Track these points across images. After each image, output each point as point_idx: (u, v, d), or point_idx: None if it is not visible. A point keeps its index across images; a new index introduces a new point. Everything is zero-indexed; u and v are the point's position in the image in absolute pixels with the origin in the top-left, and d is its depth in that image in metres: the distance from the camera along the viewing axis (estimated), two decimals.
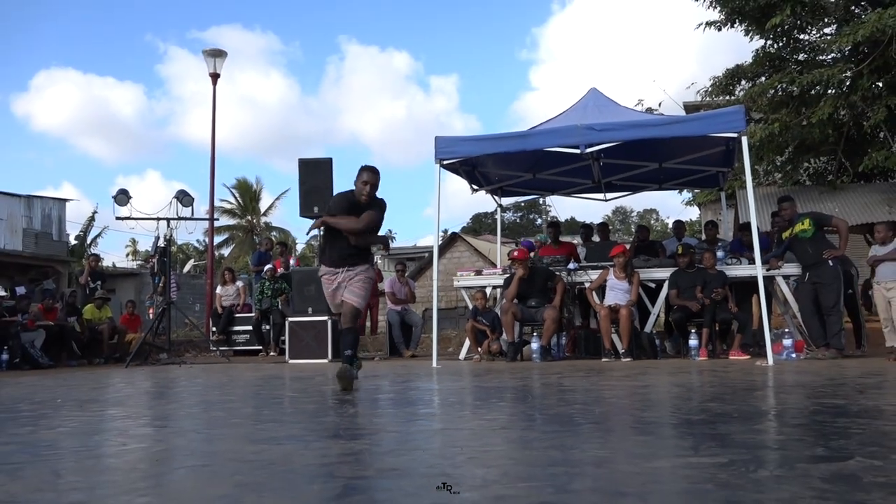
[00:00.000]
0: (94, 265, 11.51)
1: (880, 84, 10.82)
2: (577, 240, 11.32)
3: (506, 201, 11.13)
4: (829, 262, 6.69)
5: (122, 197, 8.79)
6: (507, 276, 8.04)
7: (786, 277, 7.36)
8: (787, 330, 6.99)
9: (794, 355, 6.62)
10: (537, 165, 9.25)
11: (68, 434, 2.92)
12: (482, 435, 2.62)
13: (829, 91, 11.11)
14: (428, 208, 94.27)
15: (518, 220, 51.97)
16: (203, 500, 1.67)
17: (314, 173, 8.93)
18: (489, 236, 28.78)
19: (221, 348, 10.15)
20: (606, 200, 10.68)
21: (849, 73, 10.86)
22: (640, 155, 8.87)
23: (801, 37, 12.24)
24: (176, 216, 8.99)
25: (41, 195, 21.30)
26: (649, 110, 12.67)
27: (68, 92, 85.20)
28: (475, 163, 8.75)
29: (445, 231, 24.23)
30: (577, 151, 7.09)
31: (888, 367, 5.54)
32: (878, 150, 11.05)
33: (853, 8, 11.35)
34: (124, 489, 1.82)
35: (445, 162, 7.61)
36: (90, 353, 9.85)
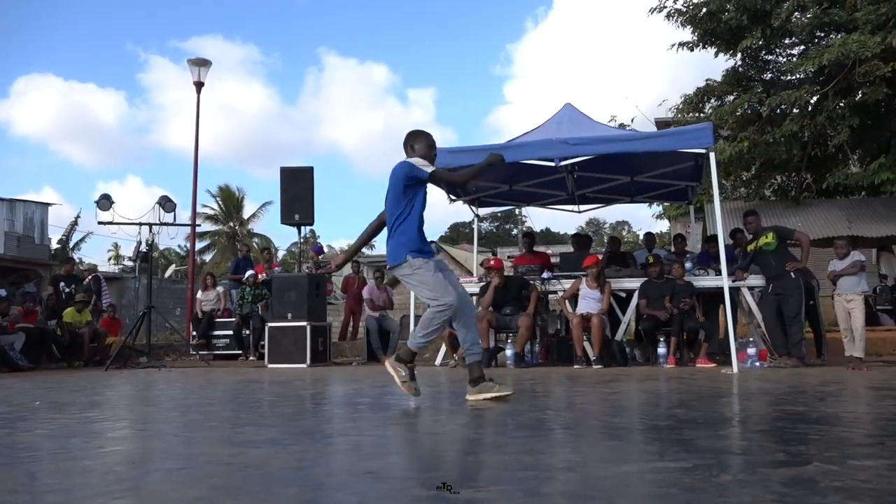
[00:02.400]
0: (69, 269, 11.41)
1: (844, 105, 11.15)
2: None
3: (483, 211, 11.21)
4: (792, 274, 6.88)
5: (105, 202, 8.76)
6: (483, 284, 8.12)
7: (750, 288, 7.53)
8: (751, 339, 7.16)
9: (757, 364, 6.79)
10: (514, 177, 9.36)
11: (45, 436, 2.90)
12: (456, 439, 2.67)
13: (795, 111, 11.42)
14: None
15: (494, 230, 52.20)
16: (179, 503, 1.69)
17: (296, 182, 8.97)
18: (466, 245, 28.85)
19: (201, 353, 10.11)
20: (580, 212, 10.82)
21: (815, 97, 11.19)
22: (612, 168, 9.02)
23: (769, 57, 12.58)
24: (158, 221, 8.99)
25: (24, 199, 20.96)
26: (622, 126, 12.86)
27: (49, 98, 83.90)
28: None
29: None
30: (552, 164, 7.20)
31: (847, 375, 5.71)
32: (841, 169, 11.39)
33: (818, 32, 11.69)
34: (100, 491, 1.83)
35: None
36: (70, 356, 9.75)
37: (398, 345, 10.04)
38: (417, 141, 4.01)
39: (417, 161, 3.86)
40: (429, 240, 4.01)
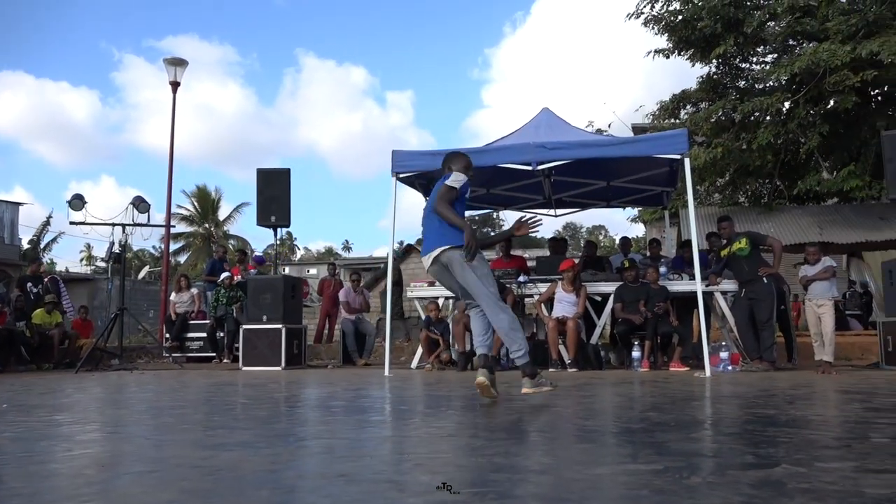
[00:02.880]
0: (35, 270, 11.20)
1: (815, 113, 11.38)
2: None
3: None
4: (764, 279, 6.99)
5: (77, 202, 8.62)
6: None
7: (724, 293, 7.64)
8: (724, 343, 7.26)
9: (730, 367, 6.88)
10: (491, 181, 9.39)
11: (12, 439, 2.84)
12: (430, 442, 2.67)
13: (767, 118, 11.63)
14: (383, 220, 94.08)
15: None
16: None
17: (272, 183, 8.92)
18: None
19: (174, 355, 9.99)
20: (557, 216, 10.89)
21: (786, 104, 11.40)
22: (589, 173, 9.09)
23: (743, 65, 12.80)
24: (132, 222, 8.87)
25: None
26: (599, 131, 13.01)
27: (20, 95, 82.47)
28: (431, 177, 8.82)
29: (401, 242, 24.26)
30: (530, 168, 7.24)
31: (816, 379, 5.81)
32: (812, 175, 11.61)
33: (790, 41, 11.92)
34: (68, 495, 1.80)
35: (402, 175, 7.67)
36: (40, 358, 9.57)
37: (373, 347, 10.03)
38: (454, 163, 4.22)
39: (455, 176, 4.08)
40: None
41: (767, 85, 11.95)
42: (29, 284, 10.56)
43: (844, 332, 9.31)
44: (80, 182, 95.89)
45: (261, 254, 12.63)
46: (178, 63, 12.83)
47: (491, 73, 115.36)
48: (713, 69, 12.68)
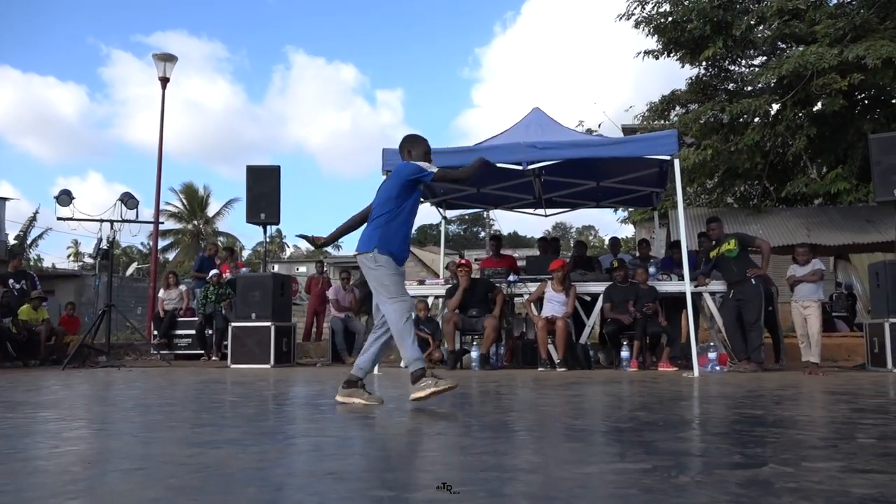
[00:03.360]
0: (16, 265, 11.08)
1: (802, 115, 11.47)
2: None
3: (450, 214, 11.25)
4: (752, 280, 7.04)
5: (65, 198, 8.55)
6: (450, 286, 8.13)
7: (712, 294, 7.68)
8: (712, 344, 7.31)
9: (718, 368, 6.92)
10: (481, 180, 9.40)
11: None
12: (419, 440, 2.67)
13: (756, 120, 11.71)
14: None
15: (462, 233, 52.42)
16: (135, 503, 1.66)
17: (262, 180, 8.88)
18: (433, 248, 28.91)
19: (162, 352, 9.93)
20: (546, 216, 10.92)
21: (775, 106, 11.48)
22: (579, 173, 9.11)
23: (732, 68, 12.87)
24: (120, 218, 8.81)
25: None
26: (589, 131, 13.03)
27: (7, 90, 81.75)
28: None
29: None
30: (520, 168, 7.25)
31: (803, 380, 5.85)
32: (800, 178, 11.70)
33: (780, 43, 12.00)
34: (54, 492, 1.78)
35: None
36: (26, 354, 9.48)
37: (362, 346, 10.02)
38: (415, 146, 4.02)
39: (421, 162, 3.88)
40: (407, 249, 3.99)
41: (756, 87, 12.03)
42: (11, 281, 10.46)
43: (831, 334, 9.39)
44: (67, 177, 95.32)
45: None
46: (168, 59, 12.77)
47: (481, 73, 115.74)
48: (702, 71, 12.75)
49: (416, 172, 3.82)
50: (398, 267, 3.87)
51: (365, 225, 3.96)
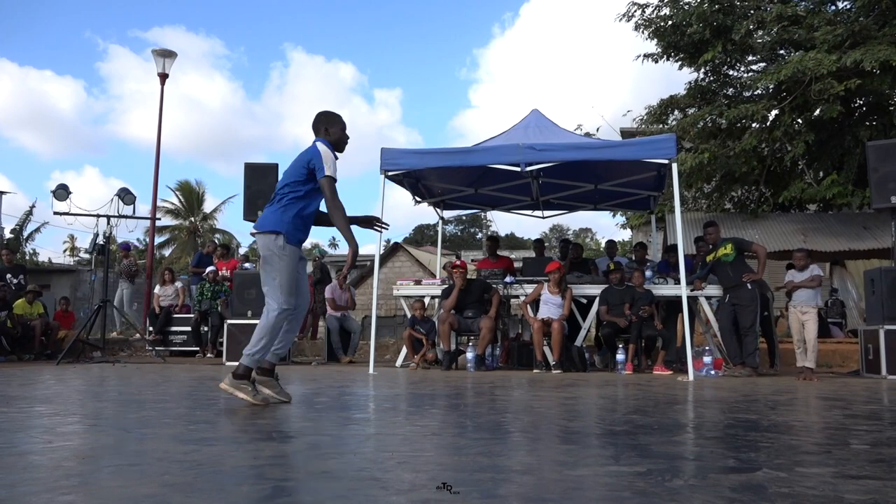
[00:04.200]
0: (8, 259, 11.02)
1: (800, 121, 11.50)
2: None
3: (448, 214, 11.25)
4: (748, 284, 7.05)
5: (62, 192, 8.55)
6: (446, 286, 8.13)
7: (708, 298, 7.69)
8: (707, 348, 7.31)
9: (712, 372, 6.94)
10: (479, 181, 9.41)
11: None
12: (414, 440, 2.66)
13: (754, 125, 11.73)
14: None
15: (459, 234, 52.41)
16: (129, 500, 1.64)
17: (260, 178, 8.88)
18: (430, 248, 28.90)
19: (157, 348, 9.92)
20: (544, 217, 10.93)
21: (773, 112, 11.51)
22: (577, 176, 9.13)
23: (731, 73, 12.90)
24: (117, 214, 8.80)
25: None
26: (588, 134, 13.05)
27: (3, 83, 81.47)
28: (419, 175, 8.84)
29: (388, 241, 24.24)
30: (518, 169, 7.25)
31: (798, 385, 5.87)
32: (796, 183, 11.73)
33: (779, 49, 12.02)
34: (47, 487, 1.78)
35: (390, 173, 7.67)
36: (20, 348, 9.46)
37: (358, 345, 10.01)
38: (332, 124, 3.86)
39: (327, 156, 3.67)
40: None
41: (755, 93, 12.06)
42: (9, 275, 10.43)
43: (826, 340, 9.41)
44: (64, 172, 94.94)
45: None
46: (167, 55, 12.75)
47: (479, 74, 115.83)
48: (701, 75, 12.77)
49: (314, 163, 3.65)
50: (300, 255, 3.75)
51: (269, 203, 3.79)
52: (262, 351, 3.70)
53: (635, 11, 12.44)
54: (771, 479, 1.89)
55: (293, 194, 3.70)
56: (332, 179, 3.66)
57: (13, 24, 76.79)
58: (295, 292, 3.70)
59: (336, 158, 3.74)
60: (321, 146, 3.73)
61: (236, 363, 3.83)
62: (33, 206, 26.72)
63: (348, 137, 3.92)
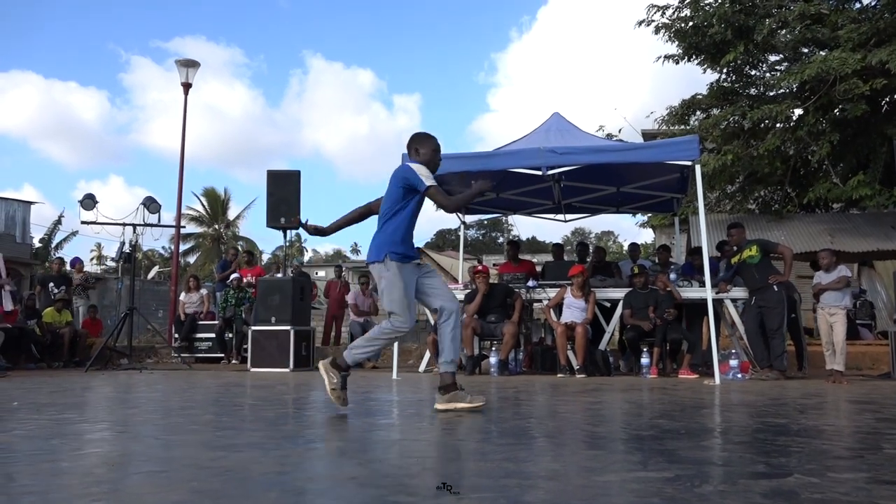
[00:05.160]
0: (58, 269, 11.29)
1: (824, 121, 11.32)
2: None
3: (469, 219, 11.24)
4: (774, 286, 6.95)
5: (89, 202, 8.70)
6: (469, 291, 8.12)
7: (733, 301, 7.59)
8: (733, 351, 7.22)
9: (739, 375, 6.84)
10: (500, 185, 9.39)
11: (23, 437, 2.86)
12: (439, 446, 2.66)
13: (778, 125, 11.58)
14: None
15: (481, 238, 52.42)
16: None
17: (282, 185, 8.95)
18: (452, 252, 28.90)
19: (183, 355, 10.04)
20: (566, 221, 10.88)
21: (797, 111, 11.35)
22: (598, 179, 9.07)
23: (753, 72, 12.74)
24: (142, 222, 8.93)
25: (5, 197, 20.81)
26: (609, 136, 12.97)
27: (29, 95, 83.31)
28: (440, 180, 8.77)
29: None
30: (539, 173, 7.23)
31: (828, 388, 5.77)
32: (822, 183, 11.54)
33: (802, 48, 11.86)
34: (78, 493, 1.81)
35: None
36: (50, 356, 9.64)
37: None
38: (423, 145, 3.93)
39: (420, 170, 3.78)
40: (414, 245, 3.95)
41: (779, 93, 11.90)
42: (51, 284, 10.63)
43: (855, 342, 9.24)
44: (89, 181, 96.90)
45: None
46: (190, 64, 12.94)
47: (497, 78, 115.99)
48: (723, 76, 12.64)
49: (408, 179, 3.75)
50: (414, 264, 3.80)
51: (375, 232, 3.87)
52: (360, 354, 3.76)
53: (655, 14, 12.35)
54: (802, 485, 1.87)
55: (389, 219, 3.78)
56: (434, 187, 3.76)
57: (38, 37, 78.49)
58: (408, 312, 3.71)
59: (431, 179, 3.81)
60: (411, 163, 3.84)
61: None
62: (62, 216, 27.24)
63: (440, 160, 3.97)
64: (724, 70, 12.26)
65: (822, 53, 10.72)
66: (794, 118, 11.64)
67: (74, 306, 11.46)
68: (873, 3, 11.67)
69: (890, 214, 11.50)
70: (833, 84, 10.36)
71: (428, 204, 4.02)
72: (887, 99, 11.81)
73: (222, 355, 10.39)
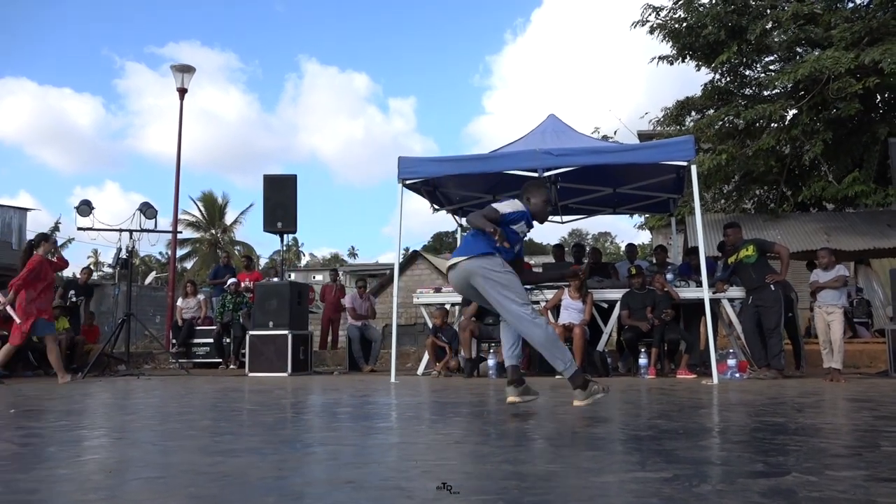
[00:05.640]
0: (85, 279, 11.26)
1: (818, 120, 11.36)
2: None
3: (466, 221, 11.24)
4: (771, 286, 6.96)
5: (85, 208, 8.67)
6: None
7: (731, 300, 7.60)
8: (731, 350, 7.22)
9: (737, 375, 6.85)
10: (497, 187, 9.39)
11: (21, 444, 2.85)
12: (437, 449, 2.66)
13: (773, 125, 11.61)
14: (386, 227, 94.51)
15: None
16: None
17: (279, 190, 8.95)
18: (449, 255, 28.89)
19: (181, 360, 10.01)
20: (563, 223, 10.88)
21: (791, 111, 11.38)
22: (595, 180, 9.09)
23: (748, 73, 12.78)
24: (139, 228, 8.90)
25: (1, 204, 20.74)
26: (605, 137, 12.98)
27: (24, 102, 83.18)
28: (436, 183, 8.85)
29: (407, 249, 24.28)
30: (536, 175, 7.24)
31: (825, 387, 5.78)
32: (816, 182, 11.57)
33: (796, 48, 11.90)
34: (76, 500, 1.80)
35: (408, 182, 7.69)
36: (47, 363, 9.56)
37: (379, 354, 10.02)
38: (534, 195, 3.98)
39: (500, 205, 3.84)
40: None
41: (774, 92, 11.93)
42: (72, 292, 10.59)
43: (852, 340, 9.26)
44: (85, 187, 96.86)
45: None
46: (186, 70, 12.91)
47: (492, 80, 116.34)
48: (717, 76, 12.67)
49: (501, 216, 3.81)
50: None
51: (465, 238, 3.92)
52: (564, 355, 3.78)
53: (649, 15, 12.38)
54: (801, 484, 1.87)
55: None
56: (478, 215, 3.74)
57: (32, 44, 78.41)
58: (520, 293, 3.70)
59: (528, 228, 3.91)
60: (511, 201, 3.91)
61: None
62: (58, 223, 27.17)
63: (548, 214, 4.04)
64: (719, 70, 12.30)
65: (816, 53, 10.76)
66: (789, 117, 11.68)
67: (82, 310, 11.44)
68: (866, 3, 11.73)
69: (886, 213, 11.53)
70: (826, 83, 10.39)
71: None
72: (880, 99, 11.86)
73: (220, 360, 10.36)
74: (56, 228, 26.73)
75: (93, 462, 2.41)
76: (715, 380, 6.28)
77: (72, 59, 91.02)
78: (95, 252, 44.13)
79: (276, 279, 10.12)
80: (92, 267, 12.30)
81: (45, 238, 7.93)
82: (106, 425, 3.67)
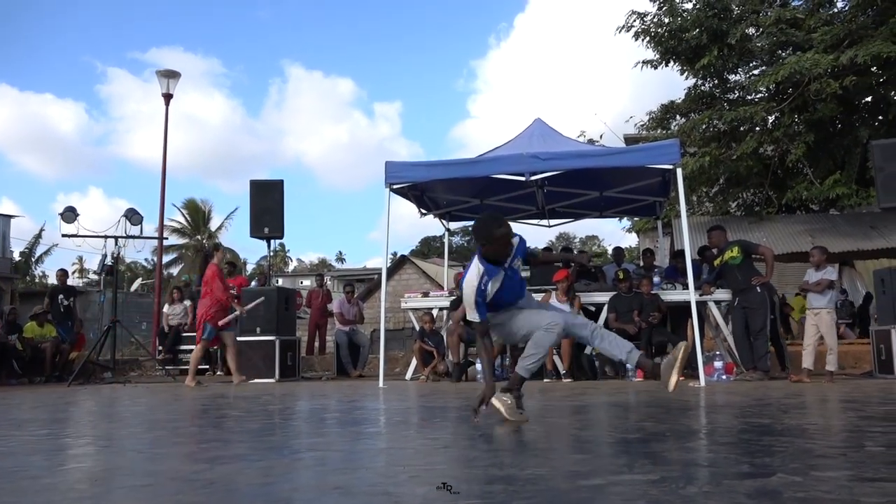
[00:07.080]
0: (62, 278, 11.14)
1: (799, 122, 11.49)
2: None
3: (454, 225, 11.25)
4: (757, 288, 7.01)
5: (70, 214, 8.61)
6: (454, 297, 8.12)
7: (717, 302, 7.65)
8: (718, 353, 7.27)
9: (724, 377, 6.89)
10: (484, 191, 9.42)
11: (4, 454, 2.81)
12: (425, 454, 2.66)
13: (756, 128, 11.72)
14: (373, 232, 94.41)
15: (466, 244, 52.34)
16: None
17: (266, 195, 8.93)
18: (437, 259, 28.90)
19: (167, 367, 9.93)
20: (550, 226, 10.92)
21: (773, 114, 11.50)
22: (582, 183, 9.13)
23: (732, 77, 12.90)
24: (124, 234, 8.84)
25: None
26: (591, 141, 13.05)
27: (4, 108, 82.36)
28: (424, 188, 8.86)
29: (395, 254, 24.25)
30: (523, 179, 7.26)
31: (810, 388, 5.82)
32: (800, 184, 11.69)
33: (779, 51, 12.03)
34: None
35: (395, 186, 7.69)
36: (32, 371, 9.49)
37: (367, 359, 10.00)
38: (480, 238, 3.65)
39: (473, 285, 3.59)
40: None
41: (757, 96, 12.04)
42: (60, 296, 10.49)
43: (839, 341, 9.31)
44: (68, 194, 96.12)
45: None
46: (171, 75, 12.85)
47: (477, 84, 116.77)
48: (699, 80, 12.78)
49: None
50: None
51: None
52: (532, 363, 3.74)
53: (634, 21, 12.46)
54: (786, 484, 1.88)
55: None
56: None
57: (12, 50, 77.70)
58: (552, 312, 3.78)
59: (513, 260, 3.79)
60: (469, 271, 3.67)
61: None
62: (42, 229, 27.04)
63: (505, 247, 3.68)
64: (701, 74, 12.40)
65: (796, 55, 10.88)
66: (771, 120, 11.79)
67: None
68: (846, 6, 11.88)
69: (869, 214, 11.65)
70: (807, 85, 10.51)
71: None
72: (862, 101, 12.00)
73: (207, 367, 10.29)
74: (39, 235, 26.53)
75: (78, 471, 2.38)
76: (702, 382, 6.32)
77: (52, 64, 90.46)
78: (80, 259, 43.76)
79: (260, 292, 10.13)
80: (68, 270, 12.13)
81: (217, 248, 7.98)
82: (91, 433, 3.63)
